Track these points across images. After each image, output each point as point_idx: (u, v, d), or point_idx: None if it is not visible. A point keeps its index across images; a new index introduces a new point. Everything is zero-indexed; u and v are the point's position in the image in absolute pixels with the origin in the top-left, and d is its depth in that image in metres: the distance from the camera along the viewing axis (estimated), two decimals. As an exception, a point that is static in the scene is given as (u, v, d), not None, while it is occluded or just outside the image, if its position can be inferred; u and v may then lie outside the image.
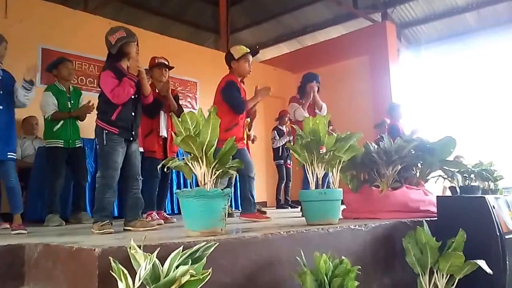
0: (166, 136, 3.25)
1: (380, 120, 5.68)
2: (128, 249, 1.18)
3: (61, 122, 3.50)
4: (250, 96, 3.05)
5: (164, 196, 3.49)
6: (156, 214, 3.09)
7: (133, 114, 2.44)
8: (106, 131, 2.32)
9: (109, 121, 2.34)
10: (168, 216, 3.40)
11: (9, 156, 2.69)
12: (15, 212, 2.69)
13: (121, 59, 2.41)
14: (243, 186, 2.91)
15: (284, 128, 5.66)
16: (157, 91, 3.25)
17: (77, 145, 3.61)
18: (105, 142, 2.31)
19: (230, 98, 2.86)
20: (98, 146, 2.41)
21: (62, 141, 3.49)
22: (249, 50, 2.97)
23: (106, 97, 2.36)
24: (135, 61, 2.40)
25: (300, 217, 2.93)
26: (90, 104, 3.51)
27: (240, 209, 3.52)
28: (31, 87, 2.80)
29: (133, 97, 2.42)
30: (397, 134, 4.20)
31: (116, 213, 3.60)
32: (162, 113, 3.26)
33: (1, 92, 2.75)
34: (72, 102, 3.60)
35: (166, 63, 3.36)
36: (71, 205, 3.64)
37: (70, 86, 3.70)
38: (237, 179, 3.82)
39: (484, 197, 2.15)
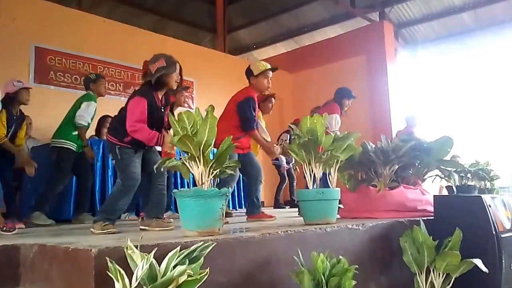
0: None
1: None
2: (125, 249, 1.17)
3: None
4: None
5: (167, 196, 3.49)
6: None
7: None
8: (118, 146, 2.26)
9: (121, 140, 2.27)
10: (165, 217, 3.39)
11: None
12: None
13: (158, 89, 2.34)
14: (250, 189, 2.96)
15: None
16: None
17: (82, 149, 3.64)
18: (119, 156, 2.26)
19: (245, 114, 2.88)
20: (114, 162, 2.34)
21: (76, 145, 3.54)
22: (268, 67, 2.99)
23: (124, 119, 2.26)
24: (166, 143, 2.27)
25: (298, 216, 2.94)
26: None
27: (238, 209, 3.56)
28: None
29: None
30: None
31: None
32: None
33: None
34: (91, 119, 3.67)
35: (189, 86, 3.35)
36: (74, 206, 3.64)
37: None
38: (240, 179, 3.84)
39: (481, 196, 2.16)
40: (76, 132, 3.52)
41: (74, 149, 3.51)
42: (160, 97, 2.37)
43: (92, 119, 3.67)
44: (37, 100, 4.46)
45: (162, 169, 2.29)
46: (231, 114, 2.91)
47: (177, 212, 4.14)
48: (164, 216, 3.32)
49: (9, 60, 4.37)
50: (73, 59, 5.22)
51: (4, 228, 2.43)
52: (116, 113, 2.47)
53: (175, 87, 2.38)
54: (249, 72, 3.03)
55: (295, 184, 5.68)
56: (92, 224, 2.21)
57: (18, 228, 2.52)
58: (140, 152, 2.33)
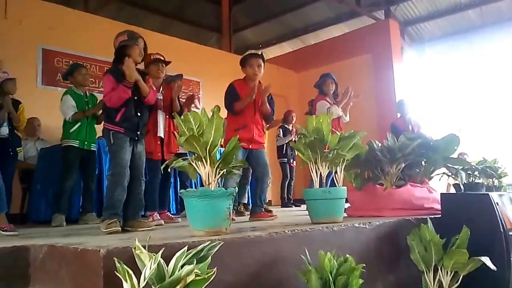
0: (163, 136, 3.24)
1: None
2: (133, 249, 1.19)
3: (78, 124, 3.57)
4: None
5: (166, 196, 3.49)
6: (158, 214, 3.10)
7: (138, 114, 2.45)
8: (112, 131, 2.36)
9: (114, 123, 2.37)
10: (172, 216, 3.41)
11: None
12: (1, 211, 2.60)
13: (122, 62, 2.42)
14: (255, 188, 3.00)
15: (290, 127, 5.65)
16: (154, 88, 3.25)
17: (92, 148, 3.67)
18: (112, 141, 2.35)
19: (225, 101, 2.96)
20: (107, 148, 2.44)
21: (78, 141, 3.56)
22: (249, 52, 2.96)
23: None
24: (128, 68, 2.37)
25: (304, 215, 2.94)
26: None
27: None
28: None
29: (135, 98, 2.43)
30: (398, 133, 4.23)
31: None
32: (160, 113, 3.25)
33: None
34: (89, 106, 3.67)
35: (162, 58, 3.33)
36: (80, 207, 3.68)
37: (87, 92, 3.77)
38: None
39: (488, 194, 2.14)
40: (74, 128, 3.54)
41: (77, 145, 3.54)
42: None
43: (85, 106, 3.63)
44: (45, 102, 4.52)
45: (140, 177, 2.45)
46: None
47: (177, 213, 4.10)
48: (171, 216, 3.37)
49: (17, 63, 4.42)
50: (80, 61, 5.24)
51: (6, 228, 2.45)
52: None
53: (138, 60, 2.47)
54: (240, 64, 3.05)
55: (293, 183, 5.68)
56: (100, 223, 2.26)
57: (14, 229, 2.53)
58: (131, 142, 2.41)
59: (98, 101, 3.73)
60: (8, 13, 4.69)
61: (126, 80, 2.38)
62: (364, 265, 1.52)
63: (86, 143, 3.60)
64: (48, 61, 5.00)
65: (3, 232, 2.43)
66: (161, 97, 3.28)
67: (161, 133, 3.23)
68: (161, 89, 3.32)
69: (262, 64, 2.97)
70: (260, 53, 2.99)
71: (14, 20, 4.73)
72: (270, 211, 3.19)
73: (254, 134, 2.93)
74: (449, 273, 1.86)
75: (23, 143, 4.27)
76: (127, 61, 2.37)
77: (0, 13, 4.65)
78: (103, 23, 5.61)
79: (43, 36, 4.95)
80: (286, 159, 5.57)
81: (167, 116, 3.30)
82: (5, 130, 3.50)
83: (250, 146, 2.89)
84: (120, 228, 2.17)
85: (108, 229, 2.13)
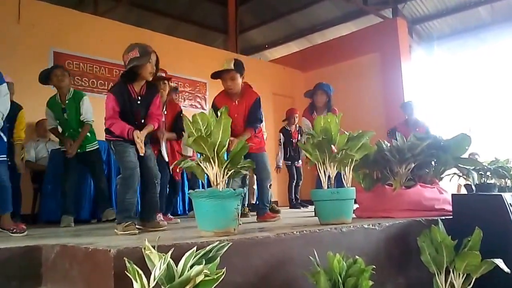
0: (167, 160, 3.16)
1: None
2: (143, 250, 1.19)
3: (66, 133, 3.55)
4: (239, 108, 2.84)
5: (171, 203, 3.51)
6: (161, 216, 3.09)
7: (135, 125, 2.37)
8: (112, 141, 2.34)
9: (113, 134, 2.33)
10: (172, 217, 3.43)
11: (0, 159, 2.69)
12: (4, 212, 2.61)
13: (132, 81, 2.35)
14: (259, 190, 2.99)
15: (292, 128, 5.63)
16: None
17: (87, 150, 3.62)
18: (114, 150, 2.34)
19: None
20: (115, 156, 2.41)
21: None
22: (223, 69, 2.81)
23: None
24: (138, 143, 2.24)
25: (313, 216, 2.93)
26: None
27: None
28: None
29: (135, 123, 2.36)
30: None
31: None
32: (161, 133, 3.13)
33: None
34: (68, 112, 3.53)
35: (163, 74, 3.19)
36: (92, 207, 3.72)
37: (70, 91, 3.57)
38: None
39: (501, 195, 2.10)
40: (66, 134, 3.54)
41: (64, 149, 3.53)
42: (138, 89, 2.36)
43: (62, 114, 3.53)
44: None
45: (153, 179, 2.40)
46: None
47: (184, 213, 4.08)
48: (171, 217, 3.37)
49: (29, 65, 4.49)
50: (90, 63, 5.34)
51: (14, 230, 2.48)
52: None
53: (150, 78, 2.36)
54: None
55: (301, 183, 5.65)
56: (115, 225, 2.24)
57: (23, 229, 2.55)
58: (133, 145, 2.32)
59: (82, 100, 3.53)
60: (21, 17, 4.79)
61: (132, 130, 2.26)
62: (374, 266, 1.50)
63: (81, 145, 3.55)
64: (60, 64, 5.06)
65: (11, 233, 2.46)
66: (163, 118, 3.16)
67: (164, 154, 3.12)
68: (164, 108, 3.23)
69: (237, 76, 2.80)
70: (231, 66, 2.81)
71: (27, 24, 4.82)
72: (277, 211, 3.18)
73: (254, 138, 2.83)
74: (461, 275, 1.83)
75: (35, 144, 4.33)
76: (136, 136, 2.24)
77: (14, 18, 4.74)
78: (113, 26, 5.68)
79: (54, 39, 5.03)
80: (290, 161, 5.55)
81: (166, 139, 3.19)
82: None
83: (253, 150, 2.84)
84: (137, 231, 2.15)
85: (125, 232, 2.11)
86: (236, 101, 2.85)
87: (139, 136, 2.26)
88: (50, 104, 3.58)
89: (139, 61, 2.25)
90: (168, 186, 3.34)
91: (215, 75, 2.83)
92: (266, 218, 2.82)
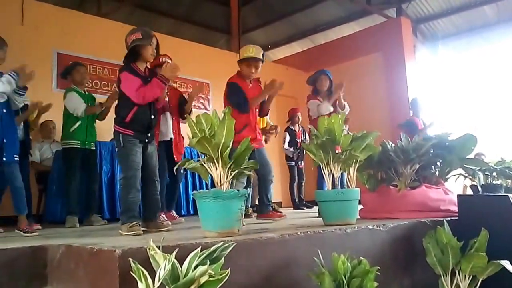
0: (172, 137, 3.25)
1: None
2: (148, 250, 1.19)
3: (79, 122, 3.57)
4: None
5: (173, 197, 3.50)
6: (164, 215, 3.09)
7: (152, 116, 2.44)
8: (122, 134, 2.35)
9: (124, 124, 2.35)
10: (176, 216, 3.42)
11: (15, 158, 2.74)
12: (22, 213, 2.68)
13: (135, 60, 2.41)
14: (260, 187, 2.98)
15: (296, 128, 5.61)
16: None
17: (92, 147, 3.67)
18: (122, 144, 2.33)
19: (232, 99, 2.88)
20: (117, 150, 2.42)
21: (78, 141, 3.55)
22: (251, 55, 2.92)
23: (123, 100, 2.38)
24: (172, 70, 2.37)
25: (317, 217, 2.91)
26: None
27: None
28: (23, 93, 2.82)
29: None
30: (415, 129, 4.14)
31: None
32: (168, 115, 3.25)
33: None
34: (90, 104, 3.67)
35: (169, 60, 3.30)
36: (84, 208, 3.68)
37: (86, 91, 3.77)
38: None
39: (508, 195, 2.08)
40: (74, 127, 3.53)
41: (78, 146, 3.53)
42: (142, 69, 2.42)
43: (88, 103, 3.62)
44: (60, 105, 4.57)
45: (154, 178, 2.42)
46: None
47: (188, 214, 4.10)
48: (175, 216, 3.37)
49: (33, 67, 4.49)
50: (93, 64, 5.35)
51: (27, 230, 2.51)
52: None
53: (151, 60, 2.46)
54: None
55: (303, 184, 5.63)
56: (120, 226, 2.25)
57: (36, 229, 2.58)
58: (141, 144, 2.38)
59: (95, 102, 3.73)
60: (25, 19, 4.81)
61: (161, 76, 2.34)
62: (379, 268, 1.49)
63: (86, 142, 3.58)
64: (63, 65, 5.05)
65: (24, 234, 2.48)
66: (167, 99, 3.29)
67: (171, 134, 3.24)
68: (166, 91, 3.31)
69: (259, 66, 2.97)
70: (261, 57, 2.96)
71: (30, 26, 4.84)
72: (280, 212, 3.17)
73: (256, 133, 2.94)
74: (467, 277, 1.81)
75: (39, 145, 4.36)
76: (165, 67, 2.36)
77: (17, 20, 4.77)
78: (116, 27, 5.69)
79: (58, 41, 5.05)
80: (293, 162, 5.53)
81: (174, 118, 3.31)
82: (20, 133, 3.56)
83: (253, 145, 2.87)
84: (141, 231, 2.16)
85: (130, 232, 2.11)
86: (250, 84, 3.03)
87: (168, 71, 2.34)
88: (77, 92, 3.62)
89: (142, 41, 2.35)
90: (168, 178, 3.33)
91: (244, 60, 2.93)
92: (271, 216, 2.77)
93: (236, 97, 2.88)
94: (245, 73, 2.96)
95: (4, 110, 2.74)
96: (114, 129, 2.41)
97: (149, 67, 2.55)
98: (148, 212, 2.44)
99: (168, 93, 3.32)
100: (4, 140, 2.67)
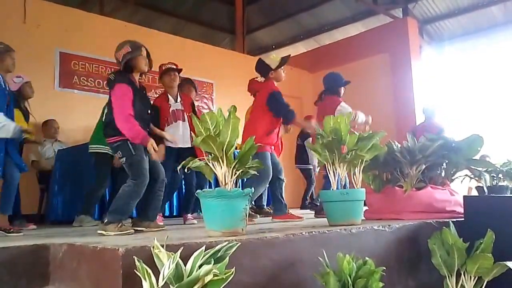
0: (182, 146, 3.14)
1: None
2: (152, 249, 1.19)
3: None
4: None
5: (164, 201, 3.42)
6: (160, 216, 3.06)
7: (148, 111, 2.47)
8: (131, 143, 2.27)
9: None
10: (190, 216, 3.40)
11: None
12: (5, 213, 2.65)
13: (131, 73, 2.39)
14: (273, 189, 3.00)
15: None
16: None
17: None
18: (133, 152, 2.26)
19: (280, 107, 2.97)
20: (125, 159, 2.28)
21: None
22: (280, 58, 3.13)
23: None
24: (160, 155, 2.43)
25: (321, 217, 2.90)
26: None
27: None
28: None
29: (148, 112, 2.44)
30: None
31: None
32: (181, 124, 3.16)
33: (10, 104, 2.81)
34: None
35: (174, 67, 3.27)
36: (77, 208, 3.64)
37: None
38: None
39: (514, 197, 2.07)
40: None
41: (111, 153, 3.43)
42: (137, 80, 2.42)
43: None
44: (62, 104, 4.60)
45: (163, 178, 2.43)
46: (260, 113, 2.99)
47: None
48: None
49: (35, 66, 4.51)
50: (96, 64, 5.34)
51: (11, 230, 2.50)
52: None
53: (146, 70, 2.42)
54: (266, 68, 3.07)
55: (313, 187, 5.61)
56: (102, 226, 2.15)
57: (30, 229, 2.57)
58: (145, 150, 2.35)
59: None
60: (27, 17, 4.80)
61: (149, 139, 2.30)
62: (384, 268, 1.48)
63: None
64: (65, 64, 5.09)
65: (7, 234, 2.47)
66: (181, 107, 3.21)
67: (181, 143, 3.13)
68: (178, 99, 3.25)
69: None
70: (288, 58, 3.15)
71: (32, 24, 4.83)
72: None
73: (278, 139, 3.13)
74: (472, 278, 1.79)
75: (41, 145, 4.35)
76: (150, 146, 2.26)
77: (19, 18, 4.76)
78: (119, 26, 5.69)
79: (60, 40, 5.03)
80: (311, 166, 5.47)
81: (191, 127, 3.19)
82: None
83: (272, 149, 3.02)
84: (133, 230, 2.15)
85: (120, 232, 2.08)
86: None
87: (155, 148, 2.30)
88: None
89: (132, 54, 2.33)
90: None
91: (279, 66, 3.09)
92: (290, 218, 2.79)
93: (283, 104, 2.96)
94: (279, 78, 3.12)
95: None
96: (121, 140, 2.28)
97: (141, 82, 2.50)
98: (151, 212, 2.42)
99: (181, 101, 3.26)
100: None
